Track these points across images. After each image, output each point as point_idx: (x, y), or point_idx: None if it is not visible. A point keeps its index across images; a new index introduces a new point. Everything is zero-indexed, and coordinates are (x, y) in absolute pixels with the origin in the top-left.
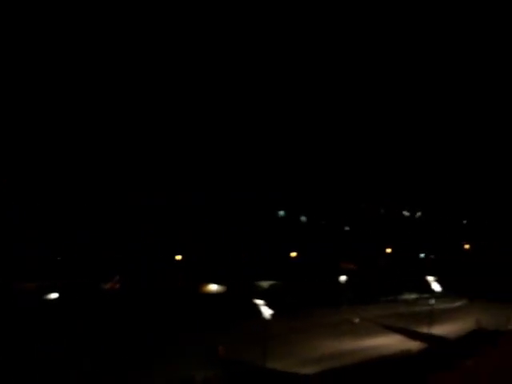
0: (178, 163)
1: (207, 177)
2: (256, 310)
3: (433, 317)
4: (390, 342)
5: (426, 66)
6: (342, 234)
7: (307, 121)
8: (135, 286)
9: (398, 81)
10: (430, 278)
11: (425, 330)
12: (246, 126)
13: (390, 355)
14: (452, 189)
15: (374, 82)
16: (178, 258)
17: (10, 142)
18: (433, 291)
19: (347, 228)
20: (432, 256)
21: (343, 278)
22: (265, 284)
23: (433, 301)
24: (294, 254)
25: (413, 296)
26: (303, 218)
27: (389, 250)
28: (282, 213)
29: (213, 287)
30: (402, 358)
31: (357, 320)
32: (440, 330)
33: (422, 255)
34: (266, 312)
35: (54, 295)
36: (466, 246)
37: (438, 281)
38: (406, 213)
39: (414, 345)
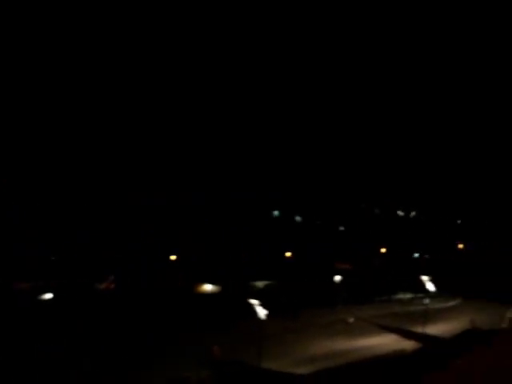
0: (177, 163)
1: (207, 177)
2: (251, 310)
3: (427, 316)
4: (385, 342)
5: (419, 66)
6: (336, 234)
7: (301, 121)
8: (130, 286)
9: (389, 81)
10: (425, 278)
11: (419, 329)
12: (242, 126)
13: (384, 355)
14: (446, 189)
15: (367, 81)
16: (173, 258)
17: (9, 142)
18: (427, 291)
19: (342, 228)
20: (426, 256)
21: (338, 278)
22: (260, 284)
23: (427, 300)
24: (288, 254)
25: (407, 296)
26: (298, 218)
27: (383, 250)
28: (276, 213)
29: (208, 287)
30: (397, 357)
31: (351, 320)
32: (434, 329)
33: (417, 255)
34: (261, 312)
35: (48, 295)
36: (460, 246)
37: (433, 280)
38: (400, 213)
39: (408, 344)
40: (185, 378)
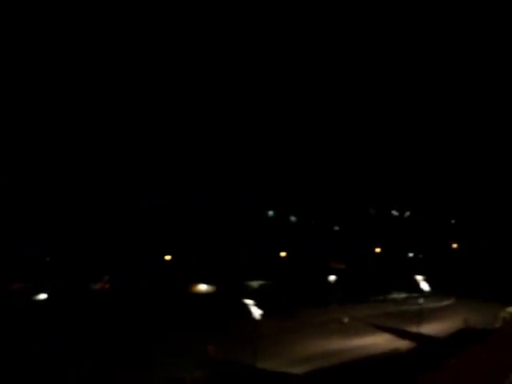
0: (177, 163)
1: (206, 177)
2: (246, 309)
3: (421, 316)
4: (379, 341)
5: (412, 65)
6: (331, 234)
7: (295, 122)
8: (126, 287)
9: (381, 80)
10: (419, 278)
11: (414, 329)
12: (235, 126)
13: (378, 354)
14: (440, 189)
15: (359, 79)
16: (168, 258)
17: (9, 142)
18: (421, 290)
19: (337, 228)
20: (421, 255)
21: (333, 278)
22: (255, 284)
23: (421, 300)
24: (283, 254)
25: (402, 295)
26: (293, 218)
27: (378, 250)
28: (271, 213)
29: (202, 287)
30: (391, 357)
31: (346, 319)
32: (429, 328)
33: (411, 255)
34: (256, 312)
35: (42, 296)
36: (454, 246)
37: (427, 280)
38: (394, 212)
39: (402, 344)
40: (180, 378)
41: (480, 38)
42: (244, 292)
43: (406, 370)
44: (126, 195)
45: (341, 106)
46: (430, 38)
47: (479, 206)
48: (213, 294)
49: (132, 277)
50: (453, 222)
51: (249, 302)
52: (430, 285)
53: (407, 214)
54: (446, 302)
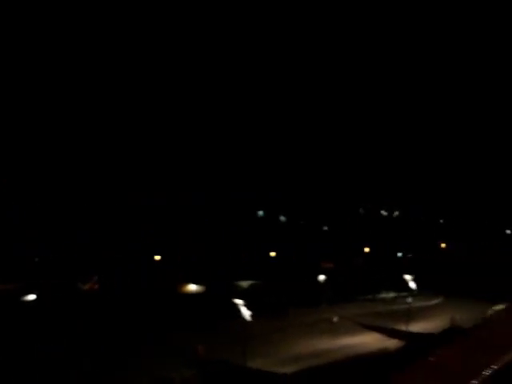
0: (177, 163)
1: (204, 177)
2: (235, 309)
3: (410, 315)
4: (368, 341)
5: (401, 67)
6: (320, 234)
7: (285, 124)
8: (115, 287)
9: (372, 81)
10: (408, 277)
11: (402, 328)
12: (224, 126)
13: (367, 353)
14: (429, 189)
15: (353, 81)
16: (157, 258)
17: (9, 142)
18: (410, 290)
19: (326, 228)
20: (409, 255)
21: (322, 278)
22: (244, 284)
23: (410, 299)
24: (273, 254)
25: (390, 295)
26: (282, 218)
27: (367, 250)
28: (261, 213)
29: (192, 287)
30: (380, 356)
31: (335, 319)
32: (417, 327)
33: (400, 254)
34: (246, 312)
35: (31, 297)
36: (443, 245)
37: (416, 279)
38: (383, 212)
39: (391, 343)
40: (169, 378)
41: (480, 38)
42: (234, 292)
43: (393, 369)
44: (126, 195)
45: (329, 107)
46: (432, 39)
47: (467, 206)
48: (202, 294)
49: (122, 277)
50: (441, 221)
51: (238, 301)
52: (419, 284)
53: (396, 213)
54: (434, 301)
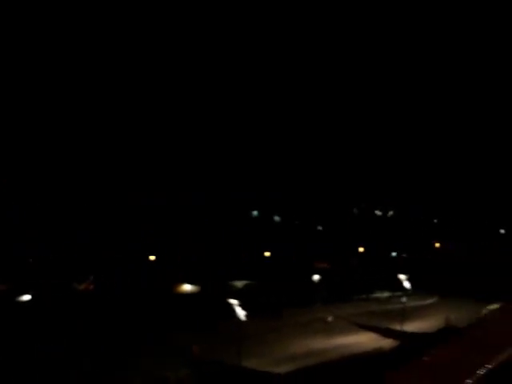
0: (177, 163)
1: (205, 177)
2: (230, 309)
3: (404, 314)
4: (363, 340)
5: (394, 68)
6: (315, 234)
7: (279, 123)
8: (110, 287)
9: (365, 82)
10: (402, 277)
11: (397, 327)
12: (218, 126)
13: (362, 353)
14: (423, 189)
15: (348, 82)
16: (152, 258)
17: (9, 141)
18: (405, 289)
19: (320, 228)
20: (404, 255)
21: (317, 278)
22: (239, 284)
23: (404, 299)
24: (267, 254)
25: (385, 294)
26: (277, 218)
27: (361, 249)
28: (255, 213)
29: (187, 287)
30: (375, 355)
31: (330, 319)
32: (412, 327)
33: (394, 254)
34: (241, 312)
35: (26, 297)
36: (437, 245)
37: (410, 279)
38: (378, 212)
39: (386, 342)
40: (164, 377)
41: (480, 38)
42: (228, 292)
43: (385, 369)
44: (126, 195)
45: (322, 107)
46: (431, 39)
47: (462, 206)
48: (197, 294)
49: (117, 277)
50: (435, 221)
51: (233, 301)
52: (413, 284)
53: (390, 213)
54: (428, 301)
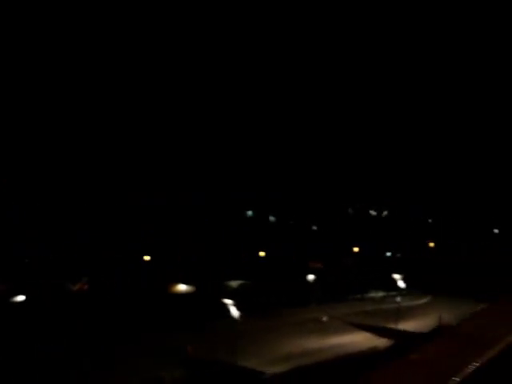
0: (177, 163)
1: (205, 176)
2: (225, 309)
3: (399, 314)
4: (358, 340)
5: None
6: (309, 234)
7: (274, 123)
8: (105, 287)
9: (359, 82)
10: (397, 276)
11: (392, 326)
12: (214, 126)
13: (357, 353)
14: (418, 188)
15: (342, 83)
16: (147, 258)
17: (9, 141)
18: (399, 289)
19: (315, 227)
20: (398, 254)
21: (311, 277)
22: (234, 284)
23: (399, 298)
24: (262, 254)
25: (379, 294)
26: (272, 218)
27: (356, 249)
28: (250, 213)
29: (181, 287)
30: (369, 355)
31: (325, 318)
32: (406, 326)
33: (389, 254)
34: (235, 312)
35: (21, 297)
36: (431, 245)
37: (404, 278)
38: (372, 212)
39: (381, 342)
40: (159, 378)
41: (480, 38)
42: (223, 292)
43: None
44: (126, 195)
45: (317, 107)
46: (431, 39)
47: (456, 206)
48: (192, 294)
49: (112, 277)
50: (430, 221)
51: (228, 301)
52: (408, 283)
53: (385, 213)
54: (423, 300)
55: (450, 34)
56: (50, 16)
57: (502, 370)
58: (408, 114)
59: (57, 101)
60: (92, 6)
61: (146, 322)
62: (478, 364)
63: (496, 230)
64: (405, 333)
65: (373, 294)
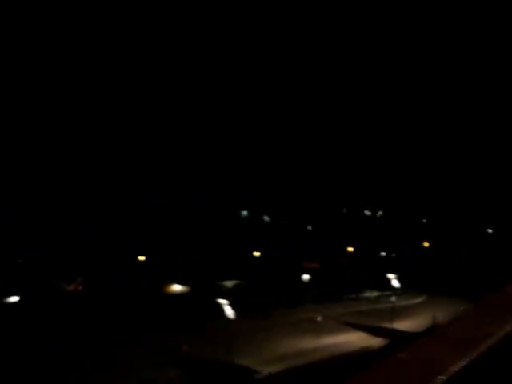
0: (178, 163)
1: (205, 177)
2: (220, 309)
3: (394, 313)
4: (353, 339)
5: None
6: (304, 234)
7: (269, 123)
8: (100, 288)
9: (356, 82)
10: (391, 276)
11: (386, 326)
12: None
13: (351, 352)
14: (412, 188)
15: (336, 82)
16: (142, 258)
17: (9, 141)
18: (394, 288)
19: (310, 227)
20: (393, 254)
21: (306, 277)
22: (229, 284)
23: (394, 298)
24: (257, 254)
25: (374, 294)
26: (266, 218)
27: (351, 249)
28: (245, 213)
29: (176, 287)
30: (364, 354)
31: (319, 318)
32: (401, 326)
33: (384, 253)
34: (230, 311)
35: (14, 298)
36: (426, 244)
37: (399, 278)
38: (367, 212)
39: (375, 341)
40: (153, 378)
41: (480, 38)
42: (218, 292)
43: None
44: (126, 195)
45: (311, 107)
46: (431, 39)
47: (450, 205)
48: (187, 294)
49: (107, 278)
50: (424, 221)
51: (223, 301)
52: (402, 283)
53: (380, 213)
54: (417, 300)
55: (449, 33)
56: (49, 16)
57: (489, 368)
58: (401, 116)
59: (57, 101)
60: (92, 5)
61: (141, 323)
62: (465, 362)
63: (490, 230)
64: (399, 332)
65: (368, 294)
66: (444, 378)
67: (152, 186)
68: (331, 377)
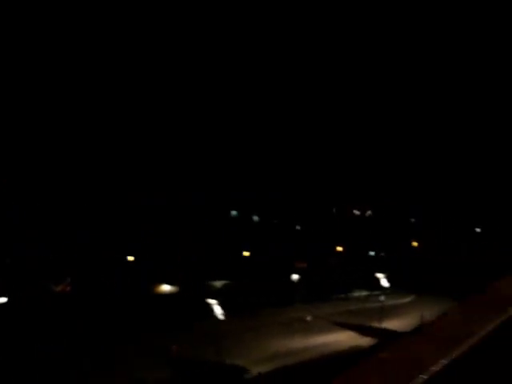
0: (177, 163)
1: (205, 177)
2: (209, 309)
3: (383, 313)
4: (342, 339)
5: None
6: (293, 233)
7: (260, 122)
8: (88, 288)
9: (350, 83)
10: (380, 275)
11: (375, 325)
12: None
13: (341, 351)
14: (400, 188)
15: (332, 82)
16: (131, 258)
17: (9, 141)
18: (383, 288)
19: (299, 227)
20: (382, 254)
21: (295, 277)
22: (218, 284)
23: (382, 297)
24: (246, 254)
25: (363, 293)
26: (255, 218)
27: (340, 249)
28: (234, 212)
29: (165, 287)
30: (353, 353)
31: (309, 318)
32: (390, 325)
33: (372, 253)
34: (219, 311)
35: (2, 299)
36: (415, 244)
37: (388, 278)
38: (356, 212)
39: (364, 341)
40: (142, 379)
41: (480, 38)
42: (207, 292)
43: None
44: (126, 195)
45: (304, 107)
46: (431, 39)
47: (438, 205)
48: (176, 295)
49: (95, 278)
50: (413, 220)
51: (212, 301)
52: (391, 282)
53: (368, 213)
54: (406, 299)
55: (448, 33)
56: (49, 16)
57: (471, 366)
58: (390, 117)
59: (57, 101)
60: (92, 5)
61: (130, 323)
62: (446, 361)
63: (478, 229)
64: (388, 331)
65: (357, 294)
66: (425, 377)
67: (152, 185)
68: (320, 376)
